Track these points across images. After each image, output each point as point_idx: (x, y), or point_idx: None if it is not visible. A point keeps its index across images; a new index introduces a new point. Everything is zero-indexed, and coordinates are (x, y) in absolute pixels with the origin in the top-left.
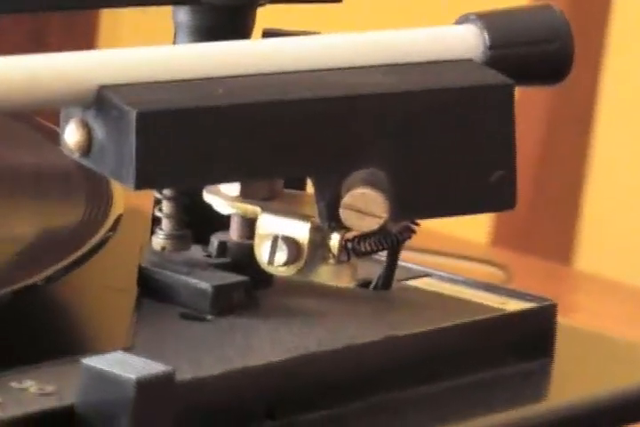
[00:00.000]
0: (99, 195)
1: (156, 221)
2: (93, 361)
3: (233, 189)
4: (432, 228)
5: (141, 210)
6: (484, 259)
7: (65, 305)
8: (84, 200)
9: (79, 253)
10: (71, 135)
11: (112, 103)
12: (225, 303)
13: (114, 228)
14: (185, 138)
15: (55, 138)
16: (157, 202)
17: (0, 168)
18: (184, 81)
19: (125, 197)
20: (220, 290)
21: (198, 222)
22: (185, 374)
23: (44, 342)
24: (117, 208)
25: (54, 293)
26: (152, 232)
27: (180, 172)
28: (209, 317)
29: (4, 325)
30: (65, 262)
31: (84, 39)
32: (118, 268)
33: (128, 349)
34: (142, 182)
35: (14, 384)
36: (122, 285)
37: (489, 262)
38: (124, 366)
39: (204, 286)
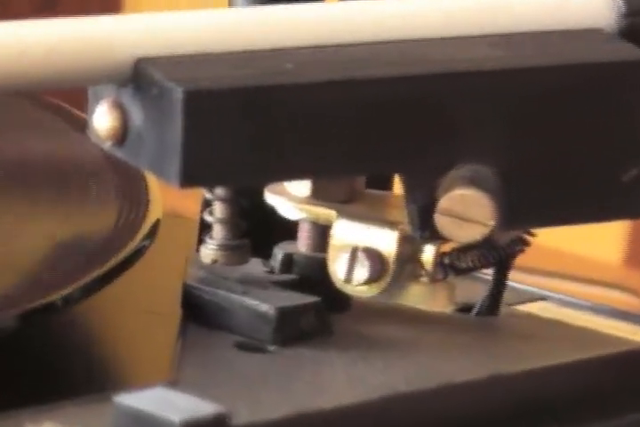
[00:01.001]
0: (133, 194)
1: (205, 228)
2: (128, 399)
3: (303, 188)
4: (548, 243)
5: (186, 214)
6: (613, 282)
7: (91, 331)
8: (114, 201)
9: (107, 266)
10: (102, 120)
11: (153, 80)
12: (291, 330)
13: (151, 235)
14: (244, 124)
15: (80, 125)
16: (207, 204)
17: (14, 162)
18: (243, 53)
19: (166, 198)
20: (284, 314)
21: (258, 230)
22: (241, 416)
23: (67, 376)
24: (155, 211)
25: (77, 316)
26: (200, 241)
27: (236, 166)
28: (271, 347)
29: (18, 354)
30: (90, 278)
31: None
32: (157, 286)
33: (171, 384)
34: (189, 179)
35: (30, 426)
36: (161, 307)
37: (620, 287)
38: (167, 405)
39: (265, 308)
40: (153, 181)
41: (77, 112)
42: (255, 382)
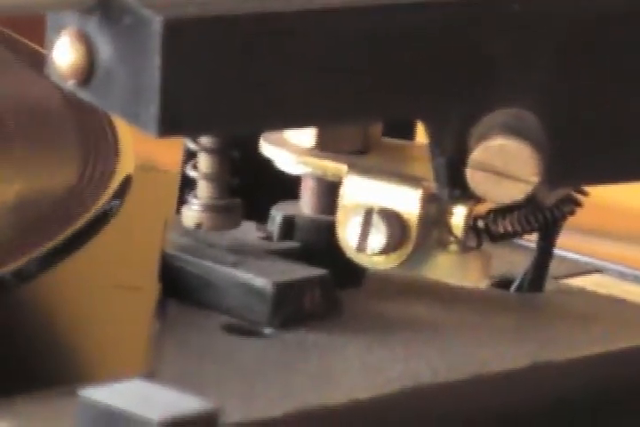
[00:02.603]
0: (98, 143)
1: (187, 185)
2: (96, 394)
3: (306, 137)
4: (607, 199)
5: (163, 166)
6: None
7: (50, 312)
8: (74, 152)
9: (68, 233)
10: (64, 54)
11: (126, 6)
12: (292, 310)
13: (121, 194)
14: (235, 60)
15: (29, 57)
16: (190, 156)
17: None
18: None
19: (139, 147)
20: (284, 290)
21: (252, 188)
22: (233, 414)
23: (21, 367)
24: (126, 164)
25: (32, 294)
26: (181, 201)
27: (226, 111)
28: (267, 330)
29: None
30: (46, 248)
31: None
32: (129, 256)
33: (148, 376)
34: (169, 126)
35: None
36: (135, 281)
37: None
38: (144, 400)
39: (261, 283)
40: (123, 127)
41: (26, 41)
42: (249, 372)
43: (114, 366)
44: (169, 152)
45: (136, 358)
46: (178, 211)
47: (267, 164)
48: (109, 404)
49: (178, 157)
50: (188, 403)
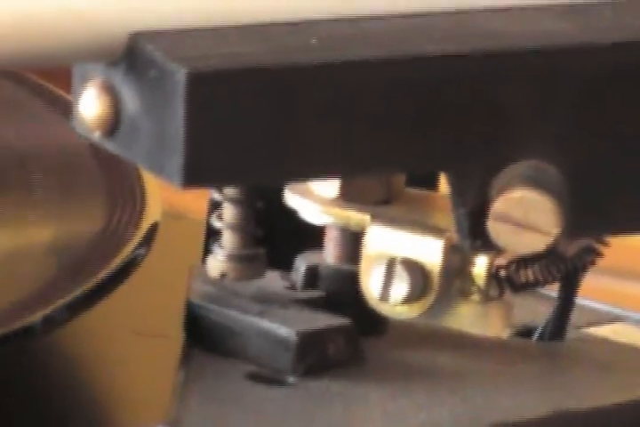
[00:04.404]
0: (125, 192)
1: (212, 235)
2: None
3: (330, 188)
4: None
5: (189, 214)
6: None
7: (76, 359)
8: (102, 201)
9: (95, 280)
10: (90, 105)
11: (151, 59)
12: (315, 359)
13: (147, 242)
14: (259, 111)
15: (62, 107)
16: (215, 206)
17: None
18: (256, 27)
19: (166, 194)
20: (307, 339)
21: (276, 238)
22: None
23: (47, 415)
24: (153, 212)
25: (60, 341)
26: (206, 251)
27: (250, 162)
28: (291, 378)
29: None
30: (75, 295)
31: None
32: (155, 303)
33: (172, 424)
34: (193, 177)
35: None
36: (160, 329)
37: None
38: None
39: (285, 332)
40: (150, 179)
41: (60, 92)
42: (272, 420)
43: (138, 414)
44: (196, 199)
45: (160, 405)
46: (203, 260)
47: (291, 214)
48: None
49: (204, 204)
50: None
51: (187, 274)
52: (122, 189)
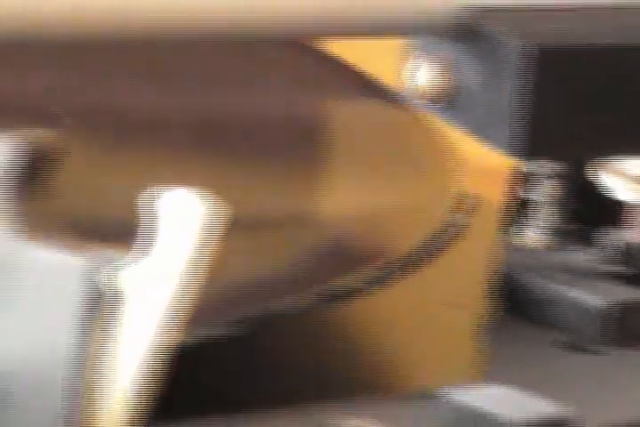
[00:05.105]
0: (444, 164)
1: (523, 208)
2: (458, 395)
3: None
4: None
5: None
6: None
7: (384, 323)
8: (434, 174)
9: (423, 246)
10: (428, 78)
11: (491, 34)
12: (623, 330)
13: (468, 214)
14: (599, 89)
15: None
16: (528, 180)
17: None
18: (589, 9)
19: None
20: (614, 309)
21: (586, 213)
22: (592, 420)
23: (361, 373)
24: (470, 187)
25: (358, 307)
26: (515, 222)
27: (585, 138)
28: (597, 347)
29: (302, 339)
30: (400, 258)
31: None
32: (461, 274)
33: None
34: (535, 150)
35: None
36: (463, 299)
37: None
38: (503, 403)
39: (593, 302)
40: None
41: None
42: (588, 383)
43: (451, 375)
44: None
45: (472, 367)
46: (512, 232)
47: (598, 192)
48: (473, 405)
49: (493, 189)
50: (544, 407)
51: (497, 245)
52: (440, 161)
